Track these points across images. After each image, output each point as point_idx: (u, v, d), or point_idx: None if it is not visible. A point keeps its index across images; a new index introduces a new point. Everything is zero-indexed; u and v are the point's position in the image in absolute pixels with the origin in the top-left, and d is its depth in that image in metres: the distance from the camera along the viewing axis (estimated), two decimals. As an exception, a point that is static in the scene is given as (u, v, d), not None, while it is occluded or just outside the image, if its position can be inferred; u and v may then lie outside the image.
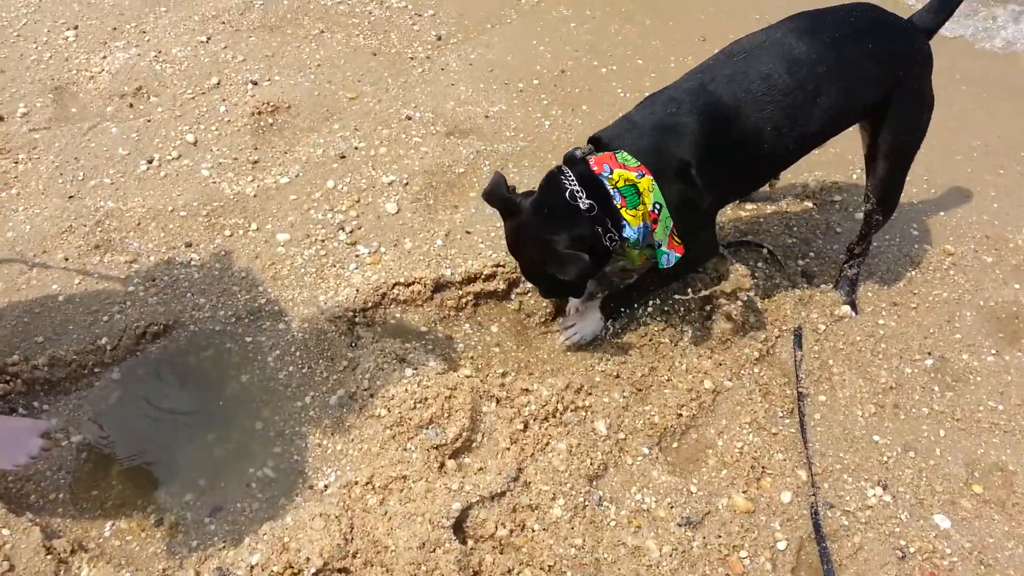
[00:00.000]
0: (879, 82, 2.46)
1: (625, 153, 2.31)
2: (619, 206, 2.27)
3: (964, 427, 2.56)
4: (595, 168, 2.29)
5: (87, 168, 3.17)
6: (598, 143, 2.41)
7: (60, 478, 2.28)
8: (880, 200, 2.70)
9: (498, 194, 2.42)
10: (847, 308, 2.85)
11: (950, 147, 3.68)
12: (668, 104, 2.36)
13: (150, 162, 3.22)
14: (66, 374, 2.47)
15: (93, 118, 3.41)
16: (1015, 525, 2.34)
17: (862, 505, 2.35)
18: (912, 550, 2.25)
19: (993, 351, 2.78)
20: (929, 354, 2.76)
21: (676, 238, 2.35)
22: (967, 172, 3.54)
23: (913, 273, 3.04)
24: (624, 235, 2.31)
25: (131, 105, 3.50)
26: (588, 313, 2.68)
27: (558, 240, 2.29)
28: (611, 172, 2.27)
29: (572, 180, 2.29)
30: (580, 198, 2.27)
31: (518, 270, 2.76)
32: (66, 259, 2.81)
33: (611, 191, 2.27)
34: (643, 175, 2.26)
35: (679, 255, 2.36)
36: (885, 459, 2.47)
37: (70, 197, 3.04)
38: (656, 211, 2.29)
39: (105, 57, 3.75)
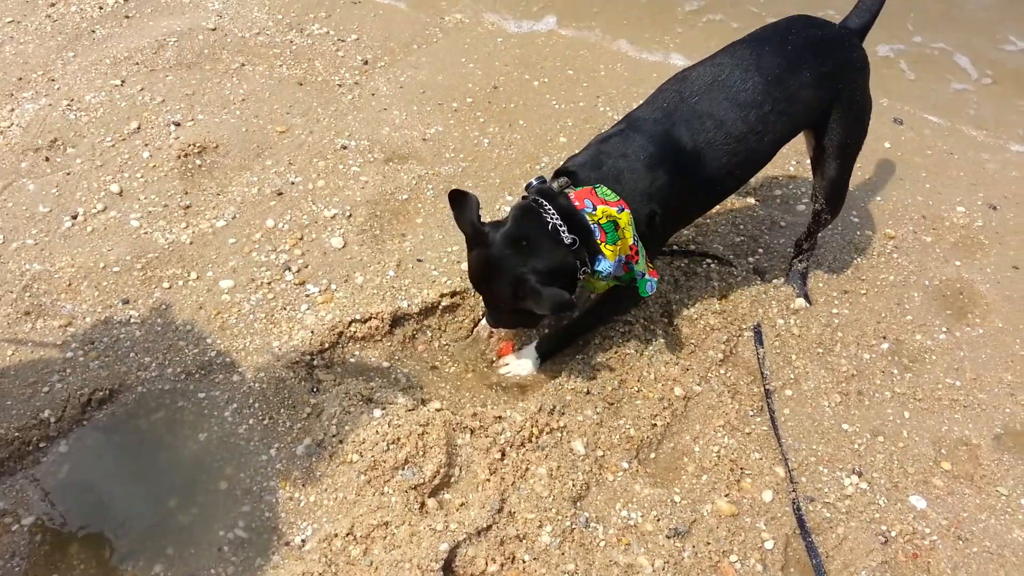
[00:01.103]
0: (821, 101, 2.52)
1: (605, 188, 2.31)
2: (599, 241, 2.26)
3: (926, 406, 2.63)
4: (576, 203, 2.28)
5: (7, 230, 2.98)
6: (572, 176, 2.39)
7: (15, 566, 2.12)
8: (829, 199, 2.77)
9: (469, 219, 2.32)
10: (801, 301, 2.90)
11: (877, 132, 3.79)
12: (639, 151, 2.37)
13: (74, 218, 3.05)
14: (9, 453, 2.31)
15: (7, 176, 3.21)
16: (985, 497, 2.40)
17: (841, 495, 2.38)
18: (893, 534, 2.29)
19: (944, 329, 2.87)
20: (884, 338, 2.82)
21: (651, 264, 2.39)
22: (897, 155, 3.65)
23: (859, 260, 3.11)
24: (598, 268, 2.30)
25: (47, 159, 3.31)
26: (523, 353, 2.68)
27: (539, 274, 2.23)
28: (594, 208, 2.26)
29: (554, 215, 2.25)
30: (563, 232, 2.24)
31: (475, 295, 2.71)
32: (-6, 330, 2.63)
33: (592, 227, 2.26)
34: (623, 210, 2.27)
35: (656, 280, 2.39)
36: (856, 446, 2.51)
37: (-9, 263, 2.86)
38: (636, 244, 2.32)
39: (13, 110, 3.54)
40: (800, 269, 2.95)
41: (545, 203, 2.28)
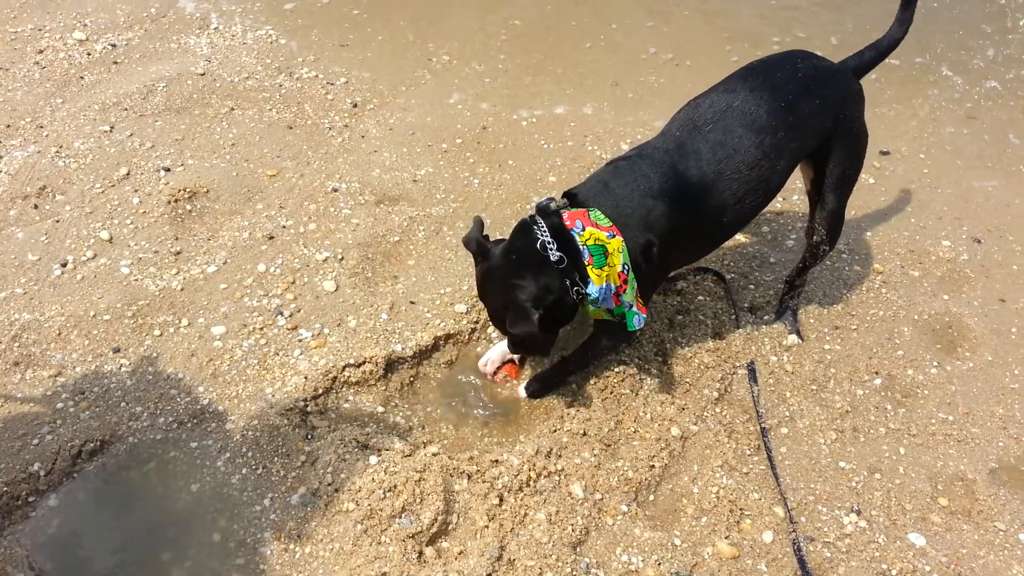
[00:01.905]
0: (825, 129, 2.56)
1: (598, 212, 2.32)
2: (586, 263, 2.27)
3: (921, 442, 2.64)
4: (567, 223, 2.29)
5: (-5, 279, 2.96)
6: (573, 199, 2.40)
7: (2, 628, 2.07)
8: (829, 231, 2.79)
9: (473, 238, 2.40)
10: (794, 337, 2.92)
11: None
12: (641, 180, 2.38)
13: (64, 266, 3.03)
14: (-3, 510, 2.27)
15: (-5, 224, 3.20)
16: (983, 533, 2.40)
17: (840, 534, 2.37)
18: (894, 572, 2.28)
19: (935, 363, 2.89)
20: (877, 373, 2.84)
21: (640, 299, 2.37)
22: (882, 189, 3.71)
23: (848, 295, 3.14)
24: (587, 291, 2.30)
25: (36, 206, 3.30)
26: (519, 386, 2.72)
27: (524, 287, 2.26)
28: (583, 229, 2.27)
29: (544, 231, 2.28)
30: (551, 249, 2.25)
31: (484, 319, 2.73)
32: (-18, 382, 2.60)
33: (580, 247, 2.26)
34: (614, 236, 2.27)
35: (644, 316, 2.37)
36: (854, 484, 2.51)
37: (-21, 313, 2.83)
38: (625, 272, 2.30)
39: (1, 157, 3.53)
40: (792, 306, 2.97)
41: (539, 220, 2.31)
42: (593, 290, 2.28)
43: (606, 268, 2.27)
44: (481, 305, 2.91)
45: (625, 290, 2.31)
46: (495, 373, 2.75)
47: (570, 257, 2.27)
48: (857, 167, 2.73)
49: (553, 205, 2.37)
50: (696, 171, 2.39)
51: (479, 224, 2.44)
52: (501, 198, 3.52)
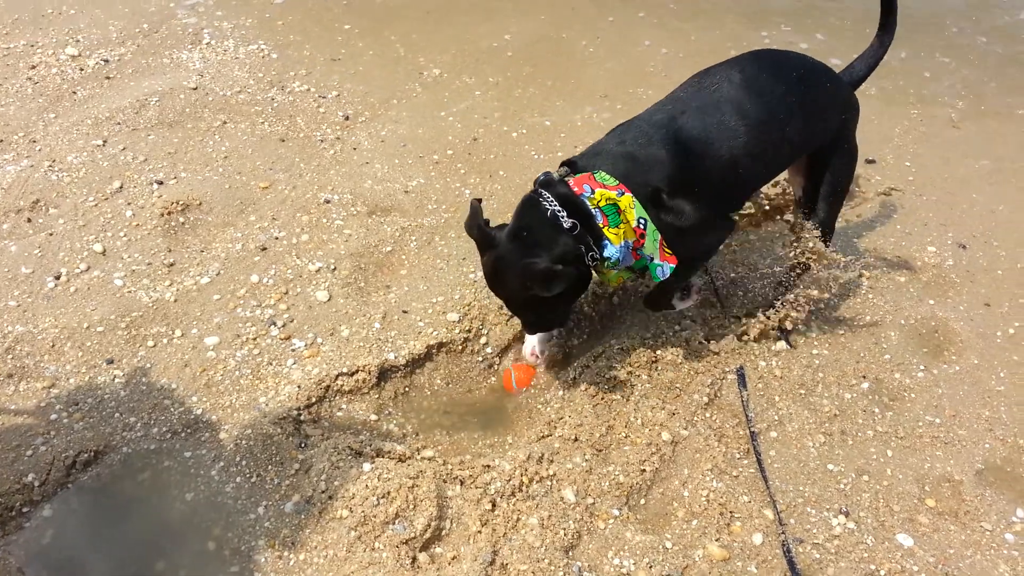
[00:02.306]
0: (831, 123, 2.63)
1: (603, 173, 2.33)
2: (601, 225, 2.28)
3: (908, 444, 2.67)
4: (576, 188, 2.30)
5: (-12, 292, 2.98)
6: (573, 166, 2.42)
7: (-4, 638, 2.08)
8: (825, 221, 2.84)
9: (475, 224, 2.38)
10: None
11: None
12: (639, 136, 2.40)
13: (57, 278, 3.05)
14: (-10, 521, 2.27)
15: (-11, 238, 3.22)
16: (970, 533, 2.43)
17: (829, 536, 2.39)
18: (883, 573, 2.30)
19: (921, 367, 2.93)
20: (864, 377, 2.87)
21: (666, 249, 2.37)
22: (868, 196, 3.76)
23: (836, 301, 3.18)
24: (605, 255, 2.31)
25: (29, 220, 3.32)
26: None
27: (541, 261, 2.26)
28: (592, 192, 2.28)
29: (552, 201, 2.29)
30: (562, 218, 2.26)
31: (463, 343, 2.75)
32: (-24, 394, 2.61)
33: (593, 211, 2.27)
34: (623, 193, 2.28)
35: (673, 265, 2.38)
36: (842, 486, 2.53)
37: (-27, 326, 2.84)
38: (641, 226, 2.30)
39: (-6, 171, 3.56)
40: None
41: (544, 192, 2.31)
42: (611, 251, 2.30)
43: (622, 226, 2.29)
44: (473, 314, 2.95)
45: (643, 244, 2.32)
46: (512, 383, 2.78)
47: (583, 222, 2.27)
48: (848, 180, 2.80)
49: (556, 175, 2.38)
50: (699, 124, 2.40)
51: (478, 208, 2.40)
52: (492, 208, 3.56)
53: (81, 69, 4.34)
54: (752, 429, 2.66)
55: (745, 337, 2.96)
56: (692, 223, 2.41)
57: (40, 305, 2.94)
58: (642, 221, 2.30)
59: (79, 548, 2.28)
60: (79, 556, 2.26)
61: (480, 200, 2.45)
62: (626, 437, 2.60)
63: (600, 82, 4.54)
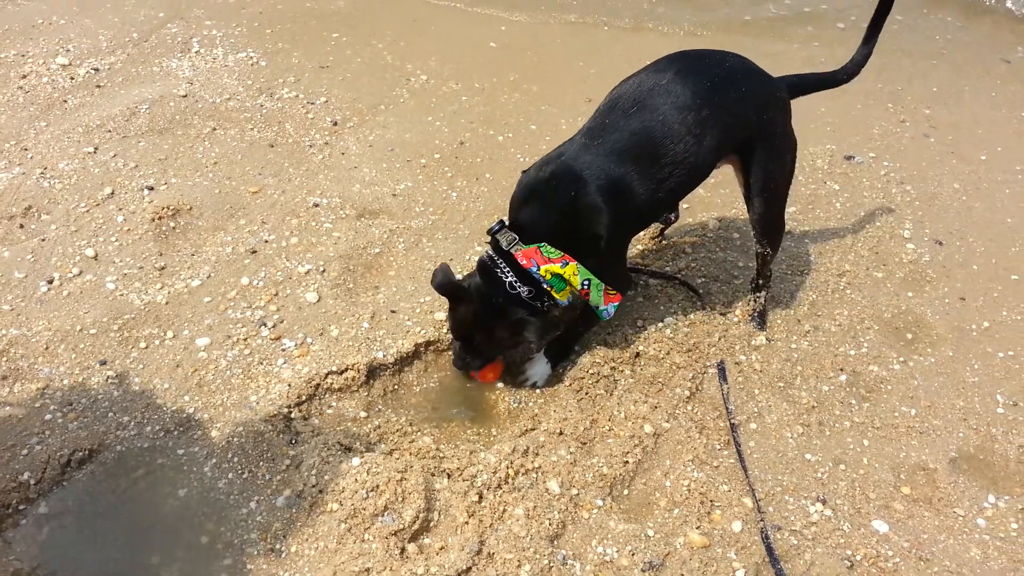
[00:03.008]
0: (749, 122, 2.70)
1: (548, 247, 2.55)
2: (549, 290, 2.60)
3: (884, 434, 2.74)
4: (524, 263, 2.55)
5: (-18, 296, 3.02)
6: (521, 231, 2.60)
7: (-5, 633, 2.12)
8: (763, 234, 2.94)
9: (446, 283, 2.64)
10: (762, 338, 3.02)
11: (826, 171, 4.01)
12: (573, 183, 2.53)
13: (50, 282, 3.10)
14: (-13, 518, 2.32)
15: (-18, 243, 3.27)
16: (944, 518, 2.50)
17: (807, 523, 2.46)
18: (858, 558, 2.37)
19: (898, 359, 3.00)
20: (842, 370, 2.95)
21: (610, 291, 2.64)
22: (845, 195, 3.85)
23: (815, 296, 3.26)
24: (558, 302, 2.66)
25: (21, 226, 3.37)
26: (536, 361, 2.88)
27: (513, 319, 2.62)
28: (538, 268, 2.54)
29: (508, 272, 2.58)
30: (519, 288, 2.59)
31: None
32: (-29, 395, 2.65)
33: (541, 280, 2.57)
34: (567, 264, 2.55)
35: (616, 303, 2.65)
36: (819, 475, 2.60)
37: (-33, 329, 2.89)
38: (586, 287, 2.60)
39: (-13, 179, 3.60)
40: (758, 307, 3.09)
41: (499, 261, 2.61)
42: (562, 302, 2.66)
43: (567, 288, 2.61)
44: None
45: (589, 298, 2.64)
46: (478, 375, 2.87)
47: (535, 288, 2.59)
48: (783, 173, 2.87)
49: (504, 243, 2.59)
50: (627, 156, 2.54)
51: (448, 269, 2.68)
52: (479, 210, 3.63)
53: (72, 78, 4.39)
54: (732, 421, 2.73)
55: (732, 317, 3.10)
56: (615, 266, 2.74)
57: (33, 309, 2.99)
58: (586, 283, 2.60)
59: (75, 544, 2.32)
60: (75, 551, 2.31)
61: (447, 264, 2.72)
62: (609, 430, 2.67)
63: (584, 87, 4.62)
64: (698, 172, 2.67)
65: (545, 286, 2.58)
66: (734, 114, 2.64)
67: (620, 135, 2.56)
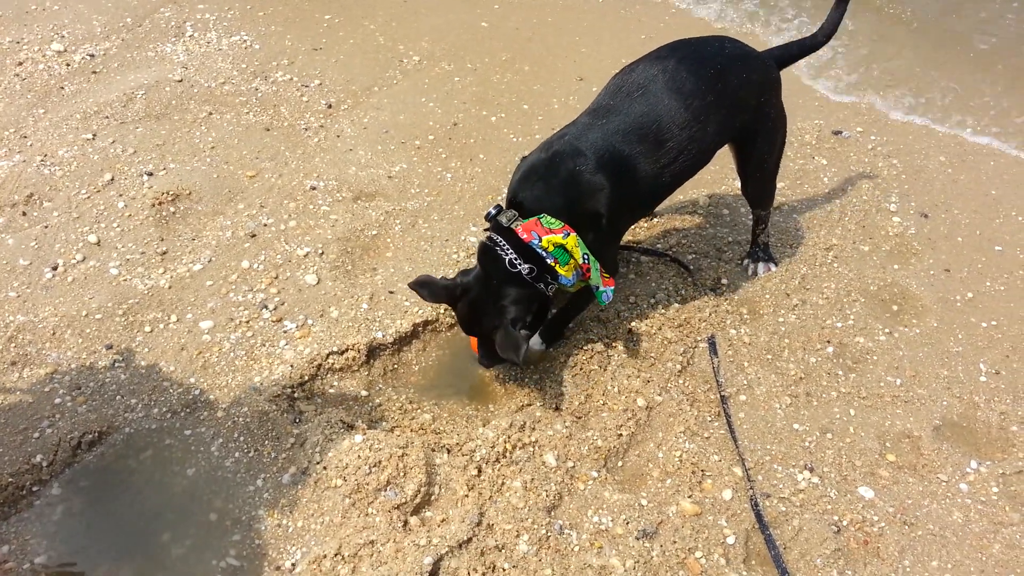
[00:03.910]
0: (748, 106, 2.77)
1: (548, 217, 2.52)
2: (553, 264, 2.51)
3: (870, 404, 2.83)
4: (524, 236, 2.51)
5: (-12, 284, 3.08)
6: (520, 208, 2.59)
7: (14, 608, 2.21)
8: (757, 204, 3.16)
9: (435, 291, 2.62)
10: (772, 266, 3.28)
11: (815, 145, 4.06)
12: (576, 158, 2.55)
13: (55, 269, 3.16)
14: (3, 499, 2.40)
15: (-15, 232, 3.32)
16: (927, 484, 2.59)
17: (795, 490, 2.55)
18: (845, 523, 2.46)
19: (884, 331, 3.08)
20: (828, 342, 3.03)
21: (605, 274, 2.61)
22: (833, 170, 3.90)
23: (803, 270, 3.32)
24: (562, 282, 2.58)
25: (24, 213, 3.42)
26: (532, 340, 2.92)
27: (510, 309, 2.54)
28: (540, 239, 2.49)
29: (508, 249, 2.52)
30: (519, 264, 2.51)
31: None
32: (-18, 381, 2.72)
33: (544, 255, 2.50)
34: (568, 234, 2.50)
35: (613, 288, 2.62)
36: (807, 444, 2.69)
37: (-25, 316, 2.95)
38: (586, 261, 2.54)
39: (-13, 167, 3.65)
40: (761, 243, 3.28)
41: (499, 240, 2.54)
42: (566, 280, 2.57)
43: (571, 262, 2.53)
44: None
45: (590, 275, 2.56)
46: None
47: (538, 265, 2.52)
48: (777, 147, 2.98)
49: (504, 220, 2.57)
50: (631, 138, 2.58)
51: (429, 278, 2.65)
52: (473, 190, 3.68)
53: (67, 64, 4.42)
54: (722, 393, 2.81)
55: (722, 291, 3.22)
56: (610, 248, 2.75)
57: (39, 295, 3.05)
58: (586, 257, 2.54)
59: (87, 522, 2.41)
60: (88, 530, 2.39)
61: (427, 275, 2.69)
62: (603, 404, 2.75)
63: (576, 66, 4.65)
64: (702, 157, 2.73)
65: (548, 260, 2.50)
66: (735, 100, 2.71)
67: (625, 117, 2.60)
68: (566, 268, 2.53)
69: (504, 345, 2.49)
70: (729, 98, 2.68)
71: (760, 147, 2.91)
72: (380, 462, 2.46)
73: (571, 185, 2.55)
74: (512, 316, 2.53)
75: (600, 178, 2.54)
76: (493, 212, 2.62)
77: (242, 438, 2.60)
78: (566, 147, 2.58)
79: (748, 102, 2.75)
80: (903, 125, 4.36)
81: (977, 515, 2.49)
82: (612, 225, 2.65)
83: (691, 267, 3.28)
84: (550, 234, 2.49)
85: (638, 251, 3.34)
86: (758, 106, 2.79)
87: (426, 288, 2.63)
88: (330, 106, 4.24)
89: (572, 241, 2.50)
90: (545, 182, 2.58)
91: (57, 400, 2.68)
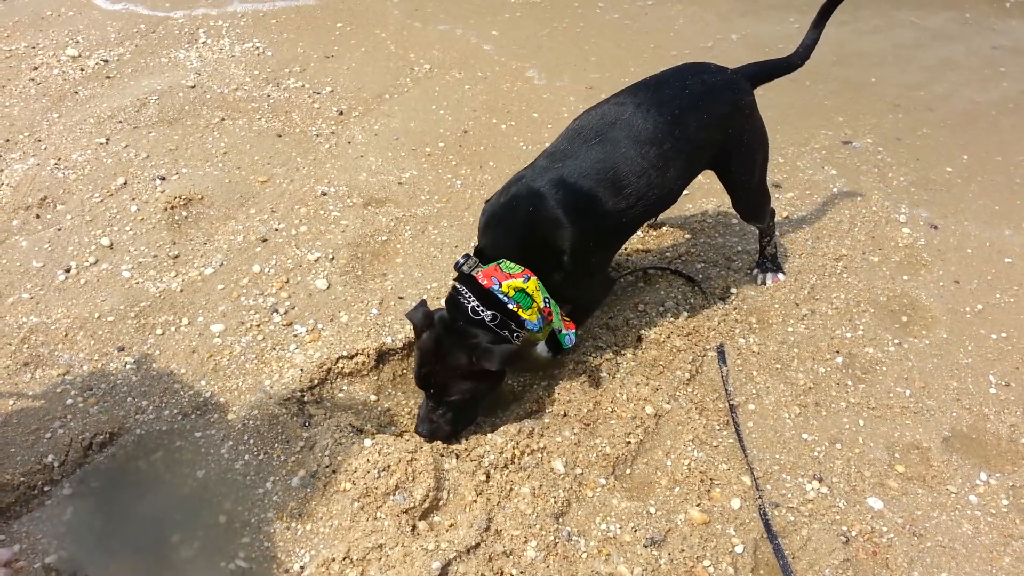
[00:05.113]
0: (715, 142, 2.75)
1: (508, 263, 2.51)
2: (516, 309, 2.49)
3: (879, 414, 2.82)
4: (485, 283, 2.48)
5: (2, 285, 3.11)
6: (482, 255, 2.58)
7: (25, 608, 2.21)
8: (751, 219, 3.17)
9: (423, 312, 2.56)
10: (780, 276, 3.28)
11: (825, 156, 4.07)
12: (533, 199, 2.52)
13: (67, 271, 3.19)
14: (15, 498, 2.41)
15: (0, 234, 3.35)
16: (936, 495, 2.58)
17: (803, 500, 2.54)
18: (854, 533, 2.46)
19: (893, 341, 3.08)
20: (838, 352, 3.03)
21: (566, 318, 2.63)
22: (842, 180, 3.91)
23: (812, 280, 3.33)
24: (528, 327, 2.54)
25: (38, 216, 3.45)
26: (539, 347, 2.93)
27: (479, 342, 2.47)
28: (500, 284, 2.47)
29: (470, 297, 2.49)
30: (482, 312, 2.48)
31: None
32: (-5, 381, 2.75)
33: (505, 300, 2.47)
34: (528, 278, 2.48)
35: (575, 331, 2.63)
36: (816, 454, 2.69)
37: (-11, 317, 2.98)
38: (547, 305, 2.54)
39: (2, 171, 3.68)
40: (769, 254, 3.29)
41: (462, 288, 2.52)
42: (532, 325, 2.53)
43: (534, 305, 2.51)
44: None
45: (552, 320, 2.56)
46: None
47: (500, 311, 2.49)
48: (757, 166, 2.95)
49: (466, 268, 2.55)
50: (586, 183, 2.52)
51: (424, 303, 2.60)
52: (483, 197, 3.70)
53: (82, 69, 4.46)
54: (731, 402, 2.81)
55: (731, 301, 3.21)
56: (588, 283, 2.71)
57: (52, 297, 3.08)
58: (547, 300, 2.53)
59: (98, 522, 2.42)
60: (98, 530, 2.40)
61: (424, 300, 2.64)
62: (612, 411, 2.75)
63: (585, 75, 4.68)
64: (665, 199, 2.70)
65: (511, 306, 2.47)
66: (698, 141, 2.67)
67: (582, 162, 2.55)
68: (529, 312, 2.50)
69: (489, 359, 2.43)
70: (689, 142, 2.64)
71: (737, 171, 2.89)
72: (389, 466, 2.46)
73: (529, 227, 2.52)
74: (485, 342, 2.47)
75: (558, 216, 2.49)
76: (461, 261, 2.58)
77: (252, 441, 2.61)
78: (523, 189, 2.55)
79: (714, 137, 2.72)
80: (912, 136, 4.36)
81: (987, 527, 2.48)
82: (579, 264, 2.58)
83: (699, 278, 3.28)
84: (510, 279, 2.48)
85: (644, 269, 3.32)
86: (727, 136, 2.76)
87: (421, 308, 2.58)
88: (341, 113, 4.27)
89: (533, 285, 2.48)
90: (504, 226, 2.56)
91: (69, 401, 2.70)
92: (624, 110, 2.62)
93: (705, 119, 2.67)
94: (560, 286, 2.57)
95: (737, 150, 2.84)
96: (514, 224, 2.54)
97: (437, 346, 2.52)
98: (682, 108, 2.63)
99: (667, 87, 2.69)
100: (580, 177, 2.53)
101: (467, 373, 2.49)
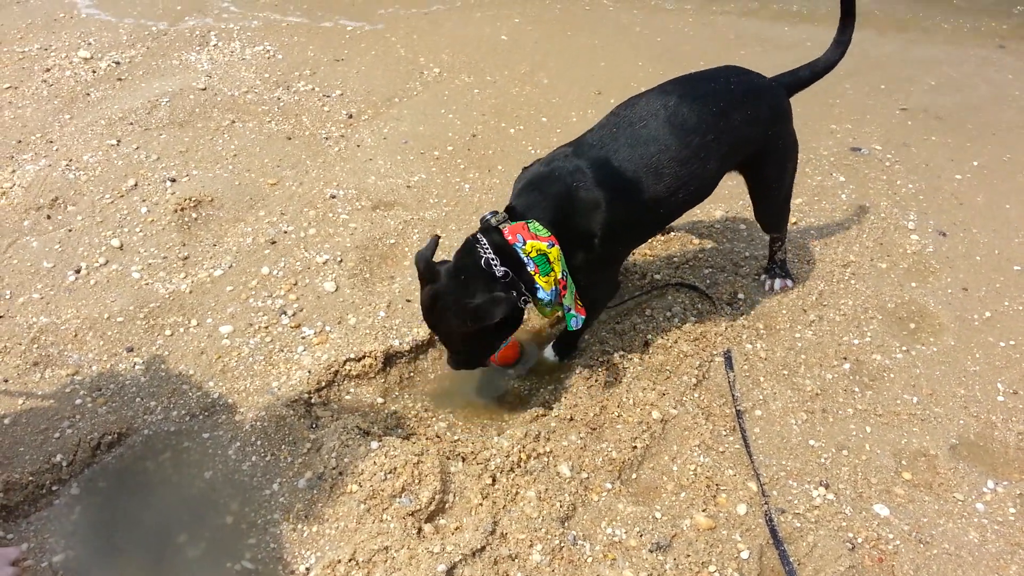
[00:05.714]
0: (754, 141, 2.76)
1: (537, 223, 2.45)
2: (533, 272, 2.42)
3: (886, 421, 2.81)
4: (509, 238, 2.42)
5: (13, 285, 3.13)
6: (512, 212, 2.54)
7: (33, 606, 2.23)
8: (770, 228, 3.17)
9: (425, 257, 2.48)
10: (789, 282, 3.28)
11: (833, 162, 4.06)
12: (575, 174, 2.51)
13: (78, 272, 3.21)
14: (24, 497, 2.43)
15: (11, 234, 3.37)
16: (943, 503, 2.57)
17: (810, 506, 2.54)
18: (860, 540, 2.45)
19: (901, 348, 3.07)
20: (845, 359, 3.02)
21: (579, 302, 2.57)
22: (851, 187, 3.90)
23: (820, 286, 3.32)
24: (539, 296, 2.46)
25: (49, 217, 3.48)
26: (545, 351, 2.94)
27: (473, 301, 2.38)
28: (524, 243, 2.41)
29: (487, 248, 2.42)
30: (495, 265, 2.40)
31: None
32: (5, 380, 2.76)
33: (525, 259, 2.41)
34: (553, 245, 2.42)
35: (583, 317, 2.56)
36: (822, 460, 2.68)
37: (0, 317, 3.00)
38: (565, 278, 2.48)
39: (14, 171, 3.71)
40: (778, 260, 3.29)
41: (482, 239, 2.45)
42: (544, 294, 2.44)
43: (552, 274, 2.43)
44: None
45: (565, 295, 2.49)
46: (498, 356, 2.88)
47: (515, 270, 2.41)
48: (787, 175, 2.97)
49: (493, 220, 2.48)
50: (630, 166, 2.53)
51: (434, 243, 2.52)
52: (491, 201, 3.71)
53: (94, 71, 4.49)
54: (738, 408, 2.81)
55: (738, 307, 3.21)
56: (601, 275, 2.68)
57: (62, 297, 3.10)
58: (565, 274, 2.47)
59: (105, 522, 2.43)
60: (105, 530, 2.42)
61: (439, 236, 2.56)
62: (618, 416, 2.75)
63: (594, 80, 4.69)
64: (702, 191, 2.71)
65: (529, 267, 2.40)
66: (739, 136, 2.68)
67: (626, 146, 2.56)
68: (546, 280, 2.42)
69: (482, 317, 2.35)
70: (732, 136, 2.65)
71: (769, 177, 2.92)
72: (395, 469, 2.47)
73: (566, 199, 2.49)
74: (477, 305, 2.36)
75: (597, 196, 2.48)
76: (488, 216, 2.52)
77: (259, 442, 2.63)
78: (567, 163, 2.55)
79: (754, 137, 2.73)
80: (921, 142, 4.35)
81: (994, 535, 2.47)
82: (606, 249, 2.56)
83: (706, 284, 3.28)
84: (536, 239, 2.41)
85: (651, 288, 3.31)
86: (765, 138, 2.77)
87: (424, 250, 2.50)
88: (351, 116, 4.29)
89: (555, 253, 2.42)
90: (541, 192, 2.52)
91: (78, 401, 2.72)
92: (670, 99, 2.62)
93: (749, 115, 2.69)
94: (578, 269, 2.53)
95: (773, 153, 2.85)
96: (552, 194, 2.49)
97: (433, 303, 2.47)
98: (728, 102, 2.65)
99: (712, 82, 2.71)
100: (624, 160, 2.53)
101: (466, 333, 2.45)
